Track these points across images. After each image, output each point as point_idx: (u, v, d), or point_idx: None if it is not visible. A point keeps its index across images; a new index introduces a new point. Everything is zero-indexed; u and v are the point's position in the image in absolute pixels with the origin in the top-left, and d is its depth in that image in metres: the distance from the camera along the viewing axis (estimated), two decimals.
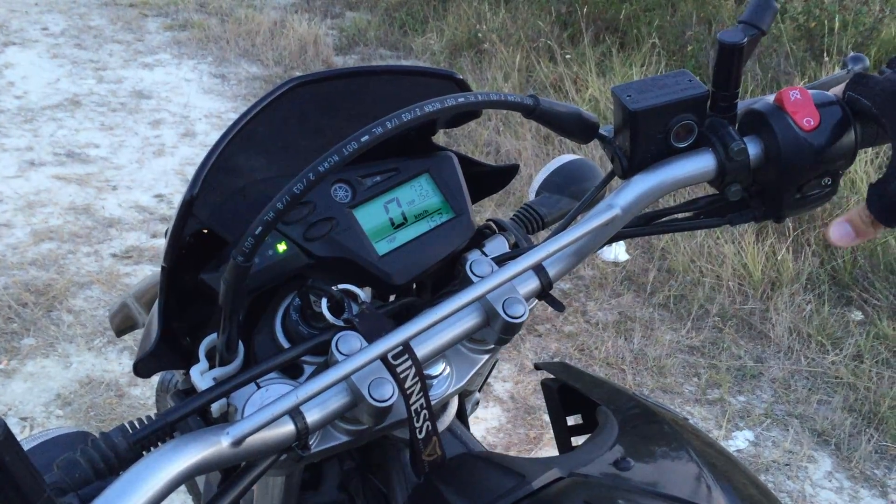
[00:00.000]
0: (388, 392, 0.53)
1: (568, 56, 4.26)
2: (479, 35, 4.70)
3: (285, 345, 0.61)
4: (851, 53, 0.76)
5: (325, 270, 0.62)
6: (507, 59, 4.40)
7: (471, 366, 0.64)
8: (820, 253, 2.88)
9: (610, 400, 0.73)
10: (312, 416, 0.53)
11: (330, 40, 5.34)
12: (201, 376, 0.57)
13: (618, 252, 3.01)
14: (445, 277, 0.68)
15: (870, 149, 2.11)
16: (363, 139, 0.49)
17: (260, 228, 0.49)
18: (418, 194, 0.66)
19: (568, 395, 0.81)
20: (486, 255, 0.66)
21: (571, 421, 0.82)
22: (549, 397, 0.82)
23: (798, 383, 2.44)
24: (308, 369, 0.59)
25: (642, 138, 0.62)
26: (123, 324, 1.18)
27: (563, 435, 0.83)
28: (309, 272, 0.62)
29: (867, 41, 3.73)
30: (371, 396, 0.53)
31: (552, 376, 0.81)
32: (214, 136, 3.96)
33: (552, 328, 2.68)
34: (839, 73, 0.73)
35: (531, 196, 0.83)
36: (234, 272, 0.51)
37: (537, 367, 0.84)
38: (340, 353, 0.55)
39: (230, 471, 0.57)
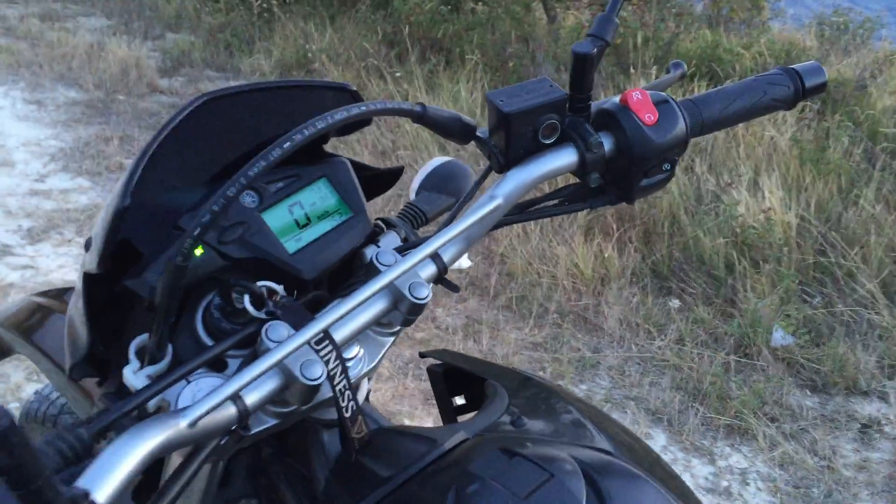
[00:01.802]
0: (318, 372, 0.59)
1: (398, 75, 4.39)
2: (309, 55, 4.74)
3: (208, 341, 0.65)
4: (673, 61, 0.90)
5: (240, 270, 0.66)
6: (337, 78, 4.48)
7: (380, 348, 0.71)
8: (641, 249, 3.16)
9: (494, 374, 0.82)
10: (251, 399, 0.58)
11: (153, 62, 5.20)
12: (135, 375, 0.61)
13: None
14: (344, 271, 0.74)
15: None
16: (285, 146, 0.55)
17: (198, 230, 0.54)
18: (318, 197, 0.72)
19: (451, 378, 0.89)
20: (382, 248, 0.73)
21: (457, 402, 0.91)
22: (436, 381, 0.90)
23: (631, 368, 2.67)
24: (232, 363, 0.64)
25: (515, 137, 0.71)
26: None
27: (449, 416, 0.91)
28: (223, 273, 0.66)
29: (666, 54, 4.11)
30: (304, 376, 0.59)
31: (438, 362, 0.89)
32: (36, 165, 3.77)
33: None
34: (666, 76, 0.87)
35: (412, 196, 0.91)
36: (173, 273, 0.56)
37: (422, 355, 0.92)
38: (271, 340, 0.60)
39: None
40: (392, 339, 0.72)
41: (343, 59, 4.69)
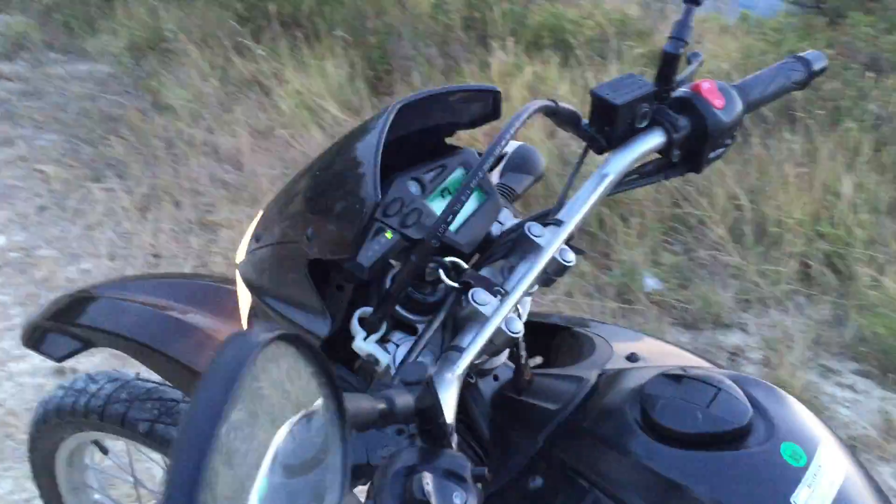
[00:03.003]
0: (518, 326, 0.75)
1: (261, 52, 4.40)
2: (167, 34, 4.63)
3: (402, 311, 0.79)
4: (691, 52, 1.03)
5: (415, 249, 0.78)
6: (199, 57, 4.42)
7: (526, 306, 0.85)
8: None
9: (573, 323, 1.01)
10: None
11: None
12: (365, 343, 0.76)
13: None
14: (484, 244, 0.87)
15: None
16: (504, 139, 0.73)
17: (450, 216, 0.71)
18: (462, 183, 0.85)
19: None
20: (503, 224, 0.88)
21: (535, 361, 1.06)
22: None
23: None
24: (420, 327, 0.79)
25: (620, 122, 0.87)
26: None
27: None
28: (403, 254, 0.78)
29: (520, 26, 4.40)
30: (509, 330, 0.75)
31: None
32: None
33: None
34: (691, 66, 1.01)
35: (496, 178, 1.02)
36: (423, 252, 0.72)
37: None
38: (478, 303, 0.73)
39: None
40: (531, 297, 0.85)
41: (198, 36, 4.62)
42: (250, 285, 0.91)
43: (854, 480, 0.71)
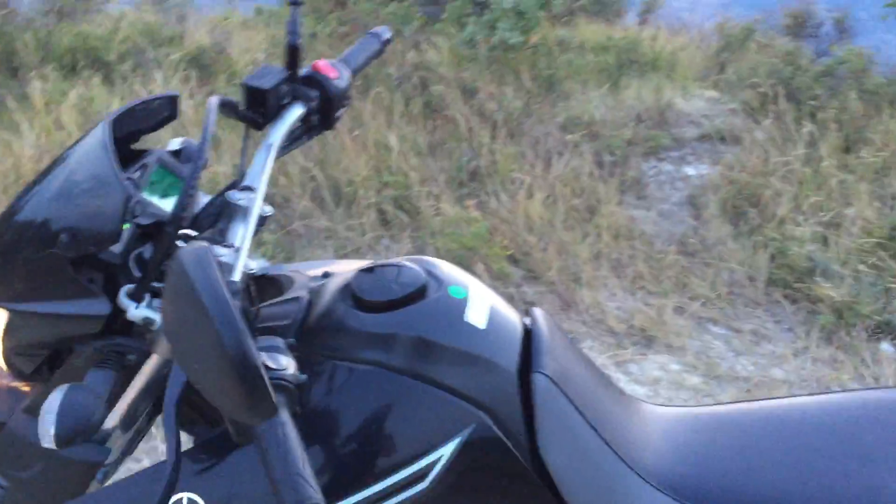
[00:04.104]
0: (252, 266, 1.00)
1: None
2: None
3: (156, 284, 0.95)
4: (371, 30, 1.34)
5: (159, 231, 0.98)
6: None
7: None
8: None
9: None
10: None
11: None
12: (138, 310, 0.92)
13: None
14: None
15: None
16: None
17: (186, 201, 0.92)
18: (162, 175, 1.06)
19: None
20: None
21: None
22: None
23: None
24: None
25: (270, 103, 1.08)
26: None
27: None
28: (142, 238, 0.98)
29: (50, 53, 4.27)
30: (248, 268, 1.00)
31: None
32: None
33: None
34: (359, 47, 1.29)
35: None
36: (167, 239, 0.91)
37: None
38: (219, 254, 0.92)
39: None
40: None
41: None
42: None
43: (495, 300, 1.06)
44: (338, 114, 1.22)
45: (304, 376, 0.85)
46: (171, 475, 0.78)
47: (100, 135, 0.95)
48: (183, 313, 0.71)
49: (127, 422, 0.97)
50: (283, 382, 0.78)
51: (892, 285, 3.41)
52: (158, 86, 4.10)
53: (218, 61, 4.72)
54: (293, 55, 1.16)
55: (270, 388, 0.70)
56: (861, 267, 3.44)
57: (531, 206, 3.58)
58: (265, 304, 1.10)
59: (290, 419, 0.75)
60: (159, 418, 1.08)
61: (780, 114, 4.24)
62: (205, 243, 0.75)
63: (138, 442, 1.06)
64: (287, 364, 0.80)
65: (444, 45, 4.53)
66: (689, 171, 4.14)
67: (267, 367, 0.77)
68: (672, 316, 3.13)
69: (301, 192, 3.65)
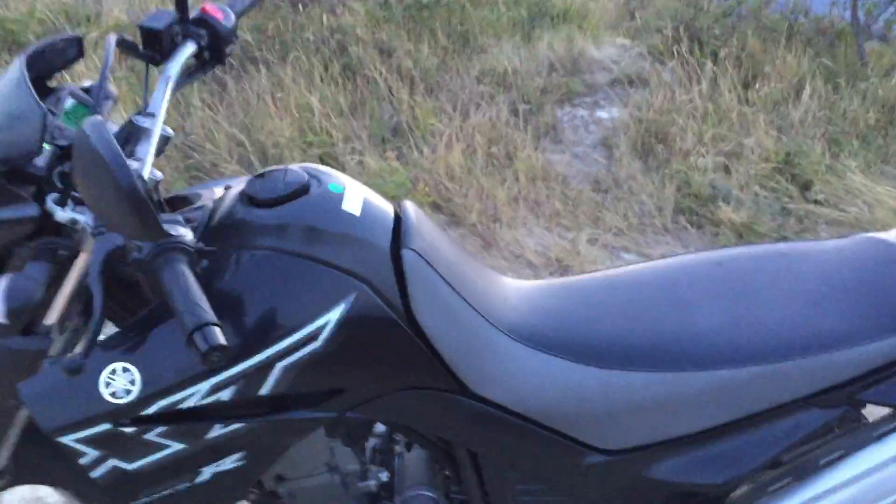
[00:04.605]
0: (158, 175, 1.16)
1: None
2: None
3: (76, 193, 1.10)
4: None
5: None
6: None
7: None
8: None
9: None
10: None
11: None
12: (64, 212, 1.07)
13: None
14: None
15: None
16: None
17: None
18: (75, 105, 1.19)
19: None
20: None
21: None
22: None
23: None
24: None
25: (164, 41, 1.19)
26: None
27: None
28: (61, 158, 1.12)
29: None
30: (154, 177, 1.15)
31: None
32: None
33: None
34: None
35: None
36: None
37: None
38: (136, 157, 1.08)
39: None
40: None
41: None
42: None
43: (368, 193, 1.20)
44: (227, 50, 1.36)
45: (200, 244, 1.01)
46: (95, 327, 0.95)
47: (16, 69, 1.09)
48: (87, 167, 0.88)
49: (64, 317, 1.12)
50: (181, 245, 0.94)
51: (788, 205, 3.68)
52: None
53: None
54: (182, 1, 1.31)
55: (156, 213, 0.89)
56: (759, 190, 3.70)
57: (451, 155, 3.75)
58: (176, 212, 1.26)
59: (190, 272, 0.92)
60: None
61: (684, 55, 4.47)
62: (99, 117, 0.91)
63: (75, 342, 1.20)
64: (185, 233, 0.96)
65: (360, 8, 4.64)
66: (602, 114, 4.35)
67: (169, 235, 0.93)
68: (586, 247, 3.34)
69: (229, 158, 3.76)
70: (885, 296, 1.15)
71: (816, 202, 3.72)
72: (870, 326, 1.12)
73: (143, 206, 0.87)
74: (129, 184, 0.86)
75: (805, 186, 3.81)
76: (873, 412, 1.18)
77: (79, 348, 1.00)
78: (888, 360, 1.12)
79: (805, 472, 1.18)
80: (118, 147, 0.87)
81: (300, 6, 4.56)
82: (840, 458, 1.16)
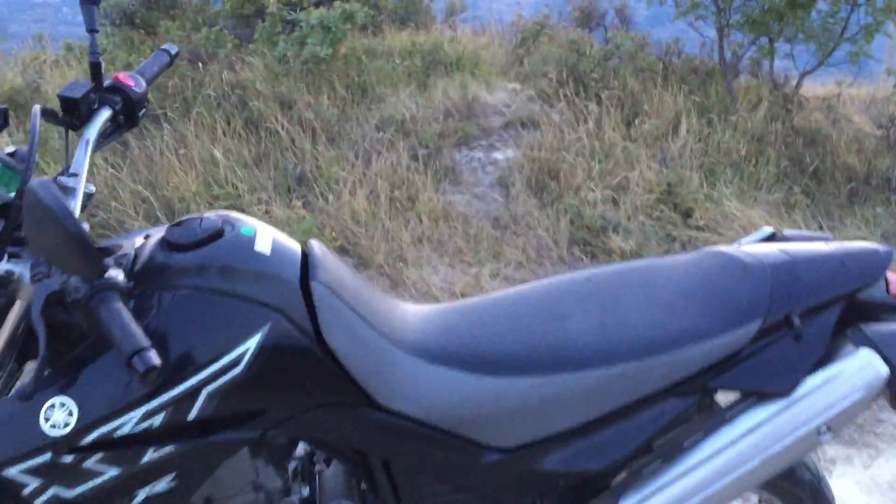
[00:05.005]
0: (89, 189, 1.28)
1: None
2: None
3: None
4: (163, 46, 1.60)
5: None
6: None
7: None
8: None
9: None
10: None
11: None
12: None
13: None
14: None
15: None
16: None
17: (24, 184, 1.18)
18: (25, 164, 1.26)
19: None
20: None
21: None
22: None
23: None
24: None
25: (82, 108, 1.33)
26: None
27: None
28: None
29: None
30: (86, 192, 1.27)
31: None
32: None
33: None
34: (153, 61, 1.55)
35: None
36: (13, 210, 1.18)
37: None
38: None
39: None
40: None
41: None
42: None
43: (278, 235, 1.30)
44: (140, 113, 1.49)
45: (131, 283, 1.13)
46: (41, 363, 1.05)
47: None
48: (40, 219, 1.01)
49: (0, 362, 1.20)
50: (114, 285, 1.06)
51: (672, 232, 3.97)
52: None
53: (34, 99, 4.76)
54: (96, 70, 1.42)
55: (97, 254, 1.04)
56: (645, 220, 3.98)
57: (356, 201, 3.90)
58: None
59: (123, 306, 1.04)
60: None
61: (571, 97, 4.78)
62: (45, 178, 1.04)
63: (11, 386, 1.28)
64: (117, 273, 1.08)
65: (258, 63, 4.78)
66: (497, 155, 4.59)
67: (106, 271, 1.06)
68: (488, 280, 3.53)
69: (135, 214, 3.81)
70: (726, 297, 1.35)
71: (698, 228, 4.03)
72: (715, 324, 1.32)
73: (88, 248, 1.01)
74: (77, 230, 1.00)
75: (687, 214, 4.13)
76: (724, 398, 1.38)
77: (27, 381, 1.09)
78: (732, 350, 1.32)
79: (672, 454, 1.35)
80: (65, 201, 1.00)
81: (199, 64, 4.66)
82: (700, 440, 1.35)
